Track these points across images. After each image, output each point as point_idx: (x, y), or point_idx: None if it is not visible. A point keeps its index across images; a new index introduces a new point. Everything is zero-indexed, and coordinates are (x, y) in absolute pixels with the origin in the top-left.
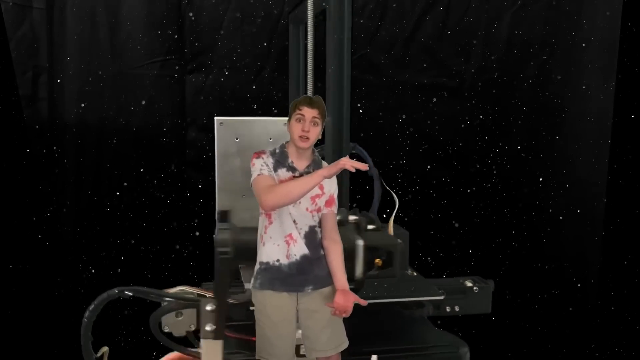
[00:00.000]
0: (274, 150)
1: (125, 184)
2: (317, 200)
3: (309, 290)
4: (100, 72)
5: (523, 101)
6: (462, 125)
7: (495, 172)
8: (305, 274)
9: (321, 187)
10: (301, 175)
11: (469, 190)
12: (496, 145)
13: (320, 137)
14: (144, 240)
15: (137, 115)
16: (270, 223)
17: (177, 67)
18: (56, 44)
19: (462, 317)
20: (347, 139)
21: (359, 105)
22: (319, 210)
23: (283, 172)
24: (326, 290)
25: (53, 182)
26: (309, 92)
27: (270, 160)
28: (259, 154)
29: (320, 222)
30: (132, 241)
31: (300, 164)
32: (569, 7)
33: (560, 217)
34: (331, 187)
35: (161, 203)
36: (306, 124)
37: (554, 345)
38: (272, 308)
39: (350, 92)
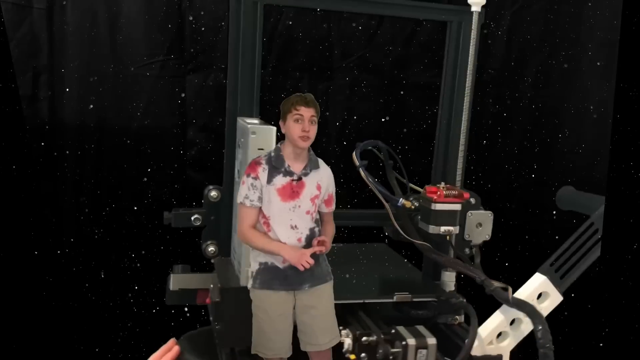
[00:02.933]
0: (270, 155)
1: (125, 184)
2: (316, 200)
3: (307, 288)
4: (100, 72)
5: (523, 101)
6: None
7: (494, 172)
8: (303, 273)
9: (319, 187)
10: (299, 178)
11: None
12: (495, 144)
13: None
14: (143, 240)
15: (137, 115)
16: (269, 230)
17: (177, 67)
18: (56, 44)
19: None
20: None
21: (358, 105)
22: (317, 210)
23: (279, 179)
24: (323, 286)
25: (53, 183)
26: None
27: (264, 175)
28: (253, 167)
29: (317, 221)
30: (133, 241)
31: (297, 167)
32: (569, 7)
33: (560, 218)
34: (329, 185)
35: (161, 203)
36: (305, 124)
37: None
38: (270, 305)
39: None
